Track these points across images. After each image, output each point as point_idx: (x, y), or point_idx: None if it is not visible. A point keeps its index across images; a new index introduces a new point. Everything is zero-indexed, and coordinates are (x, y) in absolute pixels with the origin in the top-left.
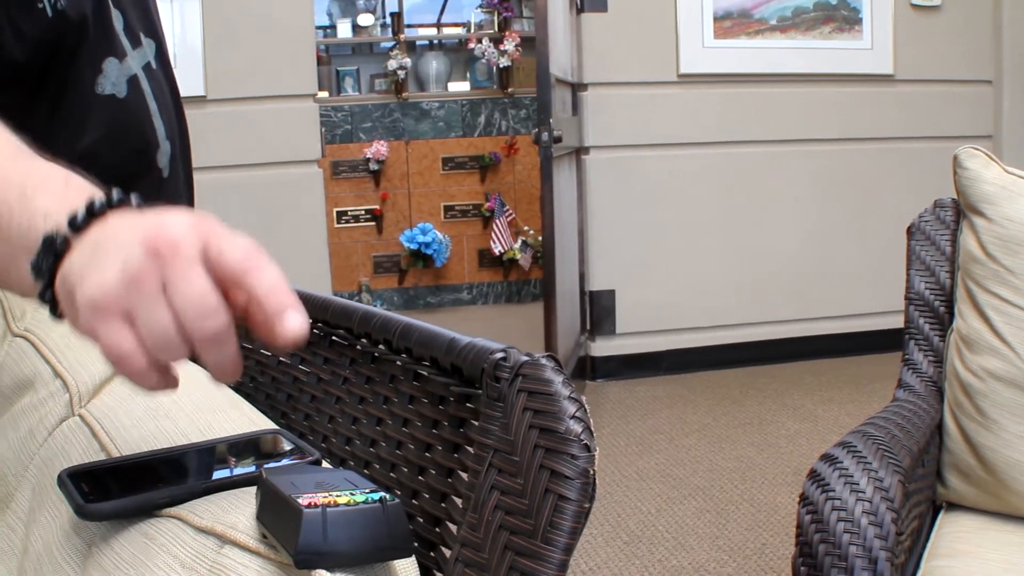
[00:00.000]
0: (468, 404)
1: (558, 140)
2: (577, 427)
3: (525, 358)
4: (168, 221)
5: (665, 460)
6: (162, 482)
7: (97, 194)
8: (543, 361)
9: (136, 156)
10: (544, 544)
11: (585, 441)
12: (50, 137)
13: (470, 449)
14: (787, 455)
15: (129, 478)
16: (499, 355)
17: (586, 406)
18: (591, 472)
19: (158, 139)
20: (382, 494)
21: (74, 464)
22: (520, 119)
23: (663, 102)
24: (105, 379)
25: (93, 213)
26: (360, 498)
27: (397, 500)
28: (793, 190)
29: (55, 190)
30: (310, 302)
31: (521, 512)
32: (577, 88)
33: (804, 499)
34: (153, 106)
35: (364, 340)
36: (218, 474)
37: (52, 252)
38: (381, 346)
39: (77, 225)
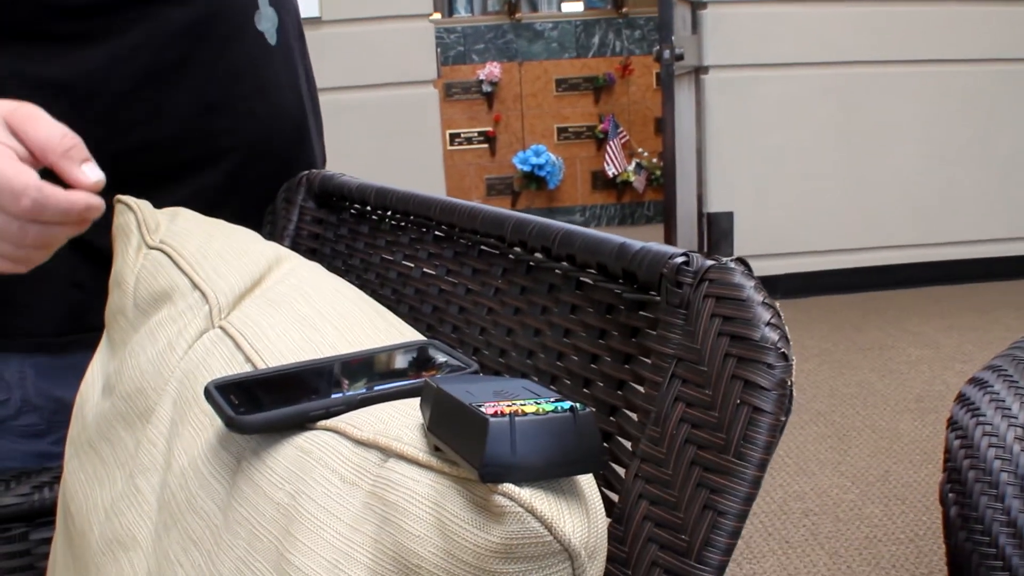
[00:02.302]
0: (642, 312)
1: (680, 58)
2: (773, 335)
3: (711, 262)
4: None
5: None
6: (315, 394)
7: None
8: (731, 265)
9: (228, 10)
10: (737, 459)
11: (782, 349)
12: None
13: (645, 359)
14: (909, 382)
15: (279, 390)
16: (680, 259)
17: (781, 313)
18: (788, 383)
19: (257, 1)
20: (572, 403)
21: (217, 377)
22: (635, 40)
23: (784, 20)
24: (245, 290)
25: None
26: (548, 407)
27: (589, 410)
28: (916, 111)
29: None
30: (457, 211)
31: (710, 425)
32: (696, 6)
33: (953, 424)
34: None
35: (517, 249)
36: (374, 386)
37: None
38: (538, 254)
39: None
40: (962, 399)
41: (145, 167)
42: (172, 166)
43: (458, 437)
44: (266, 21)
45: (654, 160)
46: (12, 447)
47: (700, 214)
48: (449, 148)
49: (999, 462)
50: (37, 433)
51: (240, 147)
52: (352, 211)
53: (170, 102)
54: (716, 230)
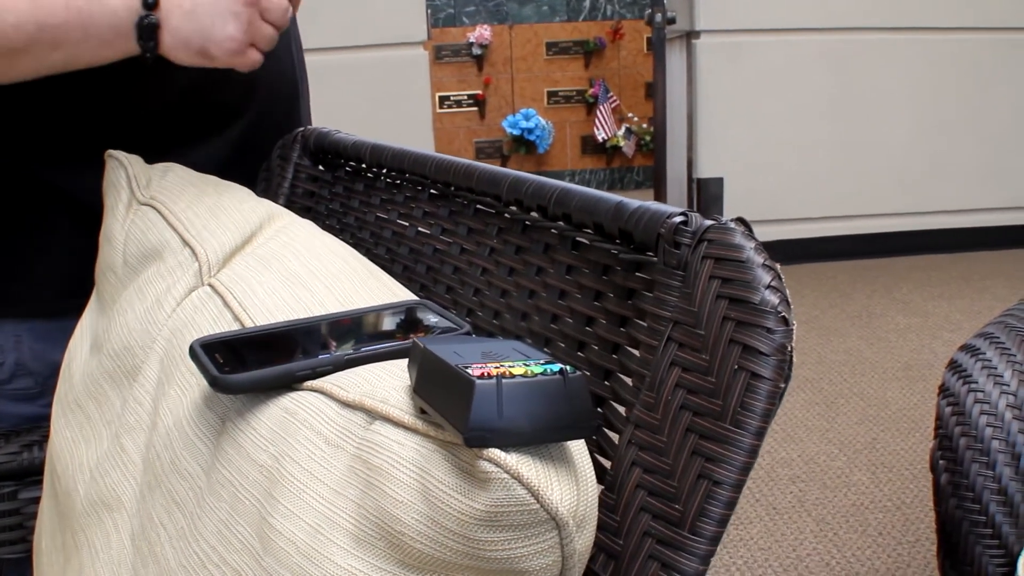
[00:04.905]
0: (639, 273)
1: (672, 22)
2: (773, 298)
3: (710, 222)
4: None
5: None
6: (302, 354)
7: None
8: (731, 225)
9: None
10: (733, 427)
11: (783, 313)
12: None
13: (642, 322)
14: (897, 350)
15: (266, 349)
16: (678, 219)
17: (782, 275)
18: (788, 348)
19: None
20: (561, 365)
21: (205, 335)
22: (626, 3)
23: None
24: (236, 247)
25: None
26: (537, 369)
27: (579, 373)
28: (908, 79)
29: None
30: (452, 169)
31: (707, 391)
32: None
33: (944, 391)
34: None
35: (513, 208)
36: (363, 346)
37: (151, 29)
38: (534, 213)
39: (149, 4)
40: (954, 366)
41: (154, 137)
42: (181, 136)
43: (444, 399)
44: None
45: (644, 125)
46: (3, 410)
47: (690, 179)
48: (438, 111)
49: (990, 429)
50: (30, 396)
51: (247, 114)
52: (347, 169)
53: (180, 73)
54: (706, 195)
